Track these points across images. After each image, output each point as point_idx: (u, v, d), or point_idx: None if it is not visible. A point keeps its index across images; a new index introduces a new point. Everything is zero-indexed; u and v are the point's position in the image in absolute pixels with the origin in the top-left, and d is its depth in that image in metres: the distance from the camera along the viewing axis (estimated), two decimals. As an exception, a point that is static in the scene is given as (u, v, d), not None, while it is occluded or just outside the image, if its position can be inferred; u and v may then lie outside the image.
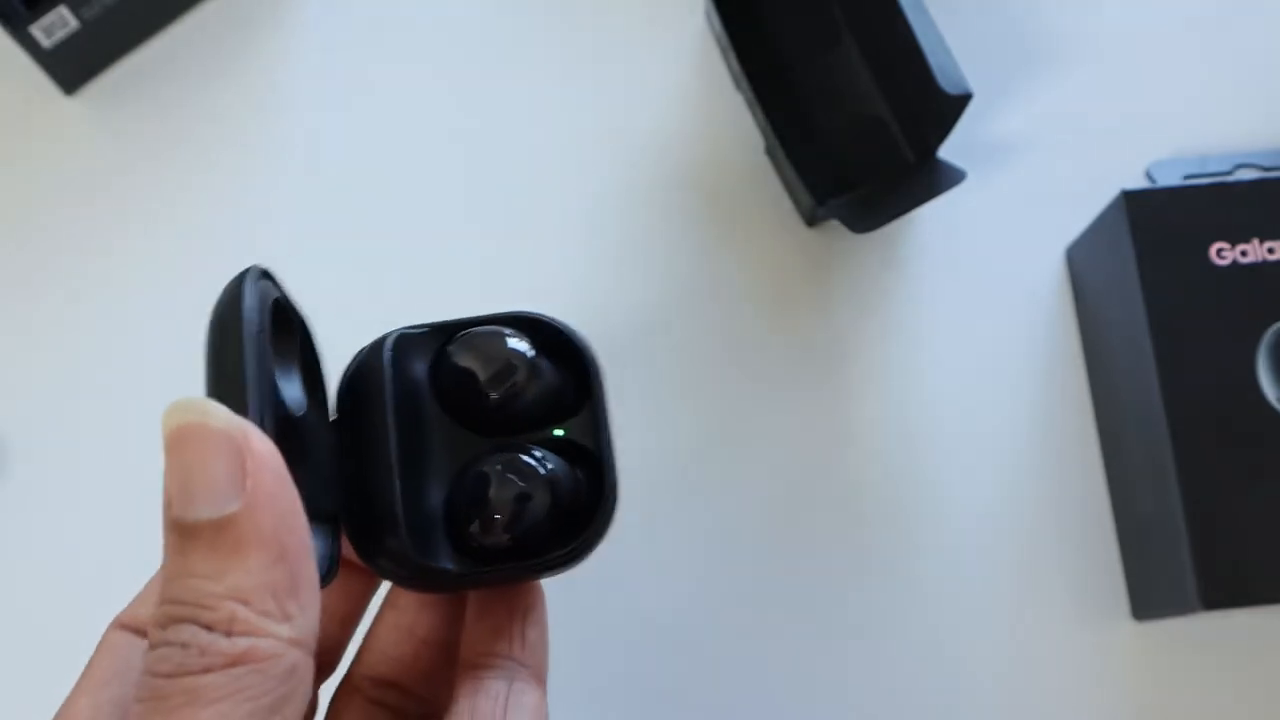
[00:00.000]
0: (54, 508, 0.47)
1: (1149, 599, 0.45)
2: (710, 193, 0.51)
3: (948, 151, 0.48)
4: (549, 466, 0.28)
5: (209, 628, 0.22)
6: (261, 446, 0.23)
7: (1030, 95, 0.51)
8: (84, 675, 0.28)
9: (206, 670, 0.21)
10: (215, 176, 0.51)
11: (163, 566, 0.23)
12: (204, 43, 0.53)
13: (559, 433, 0.30)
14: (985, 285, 0.49)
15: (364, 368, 0.29)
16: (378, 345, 0.29)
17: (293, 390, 0.28)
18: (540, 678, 0.29)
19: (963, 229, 0.50)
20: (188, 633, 0.22)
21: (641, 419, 0.48)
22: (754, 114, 0.49)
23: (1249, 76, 0.51)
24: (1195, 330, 0.42)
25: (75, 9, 0.48)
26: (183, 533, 0.22)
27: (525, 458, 0.28)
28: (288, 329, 0.28)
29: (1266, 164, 0.49)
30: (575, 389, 0.30)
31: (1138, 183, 0.50)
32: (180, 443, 0.22)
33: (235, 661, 0.22)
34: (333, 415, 0.29)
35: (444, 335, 0.30)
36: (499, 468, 0.28)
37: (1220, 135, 0.50)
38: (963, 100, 0.45)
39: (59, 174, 0.51)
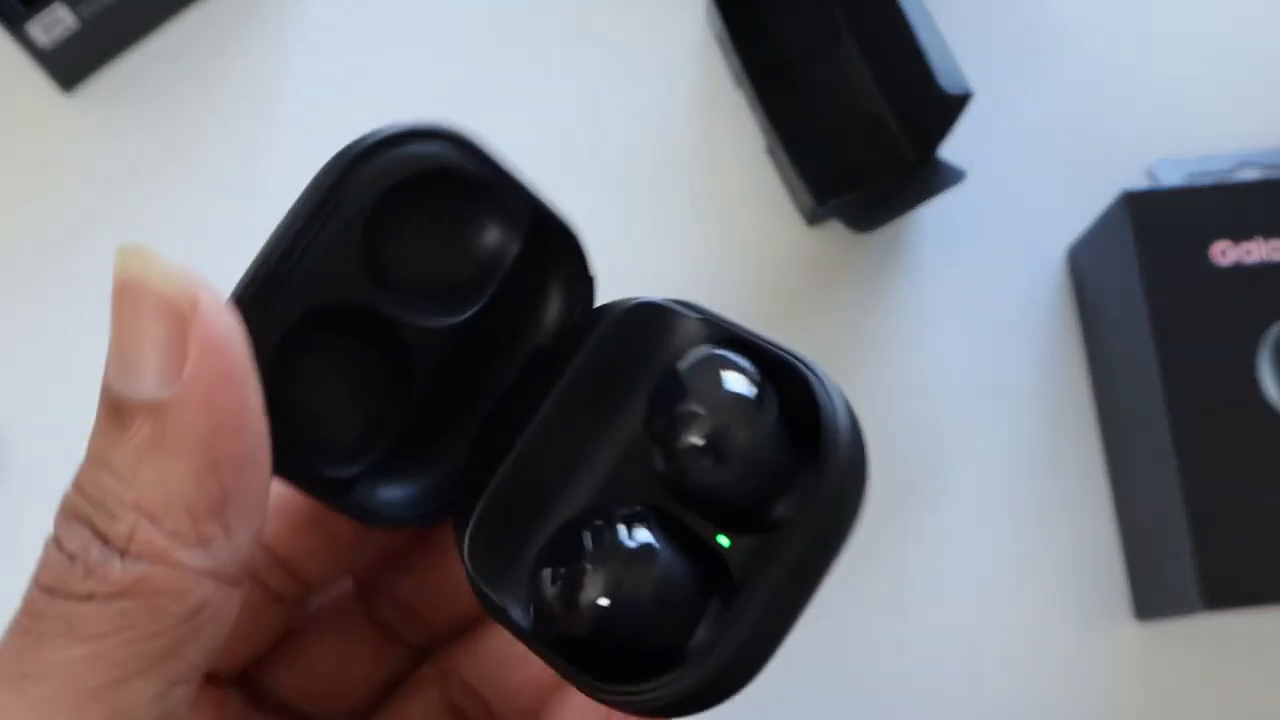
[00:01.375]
0: (54, 508, 0.47)
1: (1151, 599, 0.44)
2: (710, 192, 0.50)
3: (948, 151, 0.48)
4: (643, 558, 0.20)
5: (105, 540, 0.18)
6: (214, 324, 0.18)
7: (1030, 95, 0.51)
8: None
9: (88, 597, 0.18)
10: (215, 174, 0.51)
11: (89, 438, 0.19)
12: (203, 40, 0.52)
13: (724, 542, 0.21)
14: (986, 285, 0.49)
15: (592, 320, 0.23)
16: (616, 305, 0.23)
17: (420, 286, 0.21)
18: None
19: (963, 229, 0.50)
20: (80, 539, 0.18)
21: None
22: (754, 113, 0.49)
23: (1252, 75, 0.51)
24: (1197, 330, 0.42)
25: (73, 6, 0.48)
26: (112, 408, 0.18)
27: (628, 538, 0.20)
28: (495, 220, 0.22)
29: (1269, 163, 0.49)
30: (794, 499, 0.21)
31: (1139, 182, 0.50)
32: (122, 297, 0.18)
33: (123, 592, 0.18)
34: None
35: (718, 338, 0.22)
36: (590, 532, 0.20)
37: (1222, 134, 0.50)
38: (963, 100, 0.45)
39: (57, 172, 0.51)
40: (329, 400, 0.20)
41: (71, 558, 0.18)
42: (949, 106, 0.46)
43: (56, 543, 0.19)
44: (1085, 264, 0.48)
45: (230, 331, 0.18)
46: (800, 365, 0.21)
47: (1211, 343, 0.42)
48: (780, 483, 0.21)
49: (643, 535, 0.20)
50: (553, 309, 0.23)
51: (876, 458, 0.48)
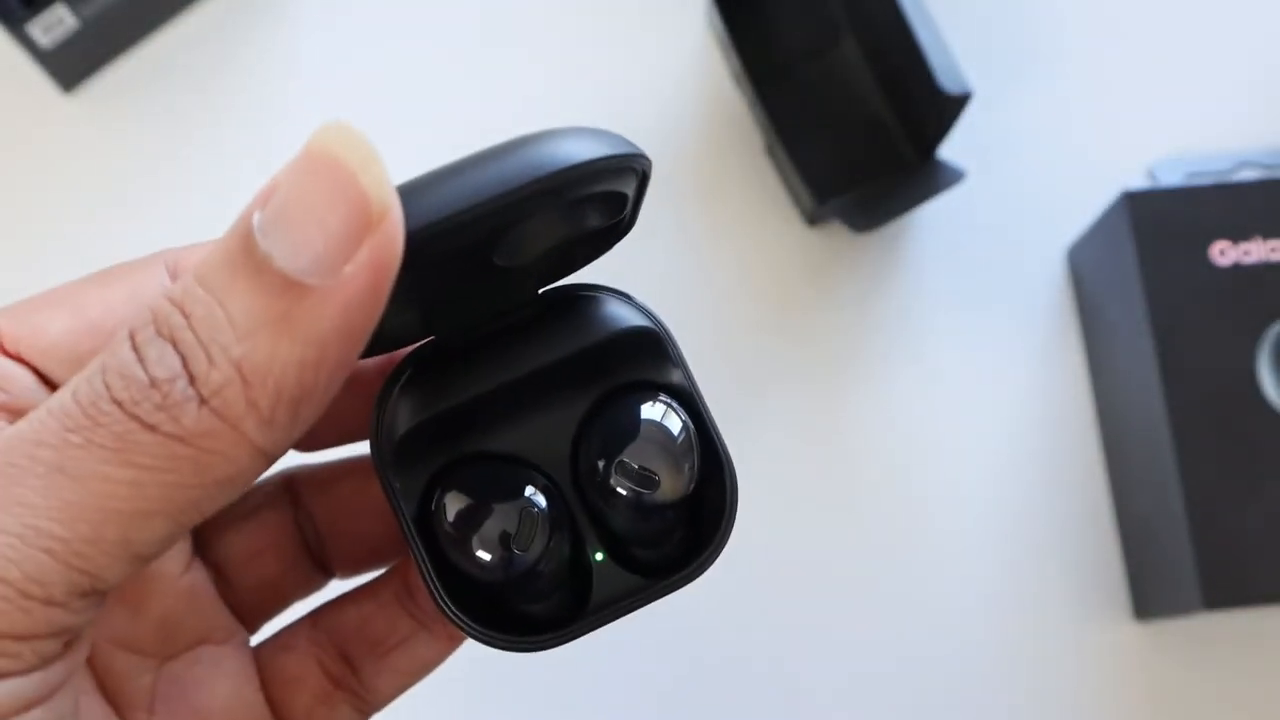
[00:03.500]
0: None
1: (1150, 599, 0.44)
2: (710, 192, 0.50)
3: (948, 151, 0.48)
4: (543, 560, 0.23)
5: (192, 379, 0.18)
6: (389, 244, 0.18)
7: (1030, 95, 0.51)
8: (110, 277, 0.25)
9: (151, 428, 0.18)
10: (215, 175, 0.51)
11: (207, 254, 0.19)
12: (203, 41, 0.52)
13: (598, 557, 0.24)
14: (986, 285, 0.49)
15: (594, 306, 0.25)
16: (625, 307, 0.25)
17: (519, 245, 0.23)
18: (455, 640, 0.27)
19: (963, 229, 0.50)
20: (169, 367, 0.18)
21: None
22: (754, 113, 0.49)
23: (1251, 75, 0.51)
24: (1196, 330, 0.42)
25: (73, 7, 0.48)
26: (248, 257, 0.18)
27: (544, 527, 0.23)
28: (595, 215, 0.24)
29: (1268, 163, 0.49)
30: (667, 559, 0.24)
31: (1139, 182, 0.50)
32: (310, 166, 0.19)
33: (185, 438, 0.18)
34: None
35: (668, 383, 0.24)
36: (517, 494, 0.23)
37: (1222, 134, 0.50)
38: (963, 100, 0.45)
39: (57, 173, 0.51)
40: (403, 308, 0.21)
41: (153, 382, 0.18)
42: (949, 106, 0.46)
43: (139, 356, 0.19)
44: (1085, 264, 0.48)
45: (396, 255, 0.19)
46: (728, 467, 0.24)
47: (1211, 342, 0.42)
48: (660, 543, 0.24)
49: (561, 529, 0.23)
50: (564, 269, 0.25)
51: (875, 458, 0.48)
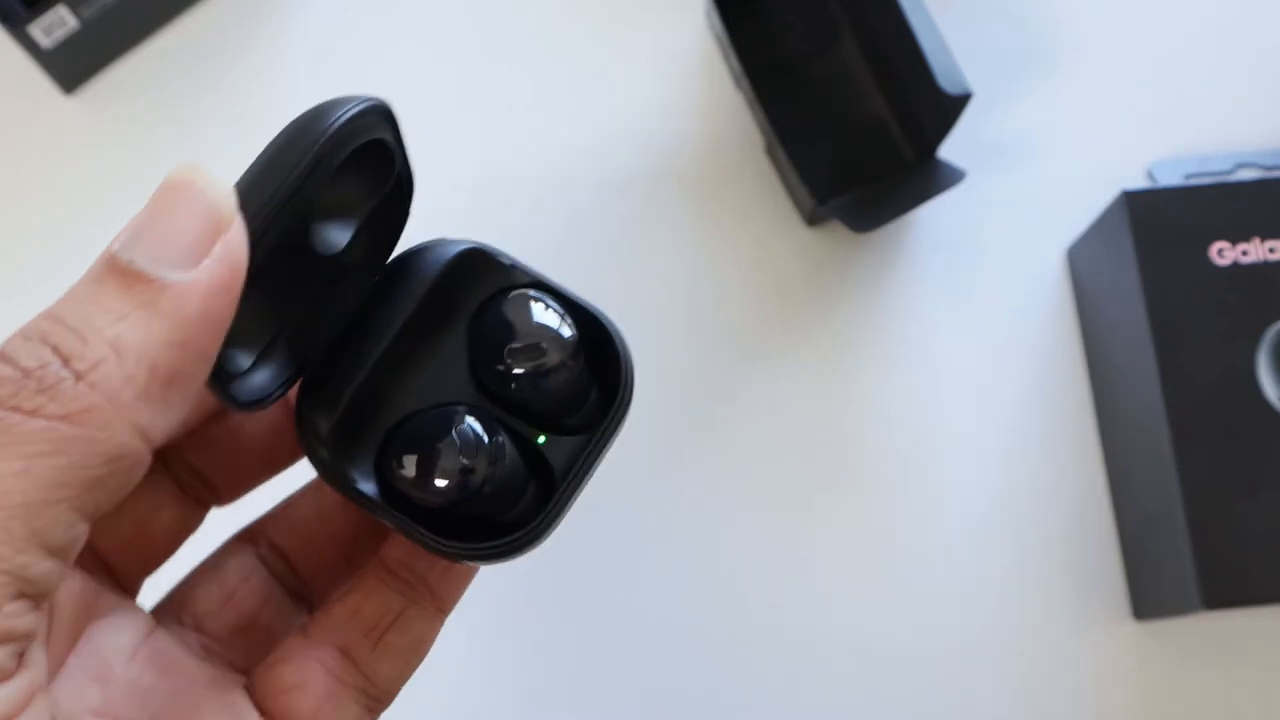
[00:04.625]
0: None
1: (1150, 599, 0.45)
2: (710, 192, 0.51)
3: (948, 151, 0.48)
4: (498, 460, 0.26)
5: (66, 360, 0.20)
6: (238, 243, 0.21)
7: (1030, 95, 0.51)
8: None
9: (34, 413, 0.19)
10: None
11: (72, 290, 0.21)
12: (203, 42, 0.53)
13: (541, 440, 0.27)
14: (985, 285, 0.49)
15: (421, 255, 0.27)
16: (447, 242, 0.28)
17: (334, 231, 0.26)
18: (444, 610, 0.28)
19: (963, 229, 0.50)
20: (40, 357, 0.20)
21: (640, 418, 0.48)
22: (754, 113, 0.49)
23: (1250, 76, 0.51)
24: (1196, 330, 0.42)
25: (74, 8, 0.48)
26: (112, 267, 0.21)
27: (482, 434, 0.25)
28: (376, 176, 0.26)
29: (1267, 163, 0.49)
30: (594, 415, 0.28)
31: (1138, 182, 0.50)
32: (167, 193, 0.21)
33: (68, 416, 0.19)
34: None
35: (515, 282, 0.28)
36: (451, 426, 0.25)
37: (1221, 134, 0.50)
38: (963, 100, 0.45)
39: (58, 173, 0.51)
40: (249, 315, 0.23)
41: (26, 373, 0.20)
42: (949, 106, 0.46)
43: (9, 359, 0.20)
44: (1084, 264, 0.48)
45: (244, 252, 0.21)
46: (600, 317, 0.27)
47: (1210, 342, 0.42)
48: (581, 401, 0.27)
49: (493, 432, 0.26)
50: (383, 241, 0.28)
51: (876, 458, 0.48)
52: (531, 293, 0.27)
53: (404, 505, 0.26)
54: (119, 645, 0.26)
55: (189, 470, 0.28)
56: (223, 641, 0.28)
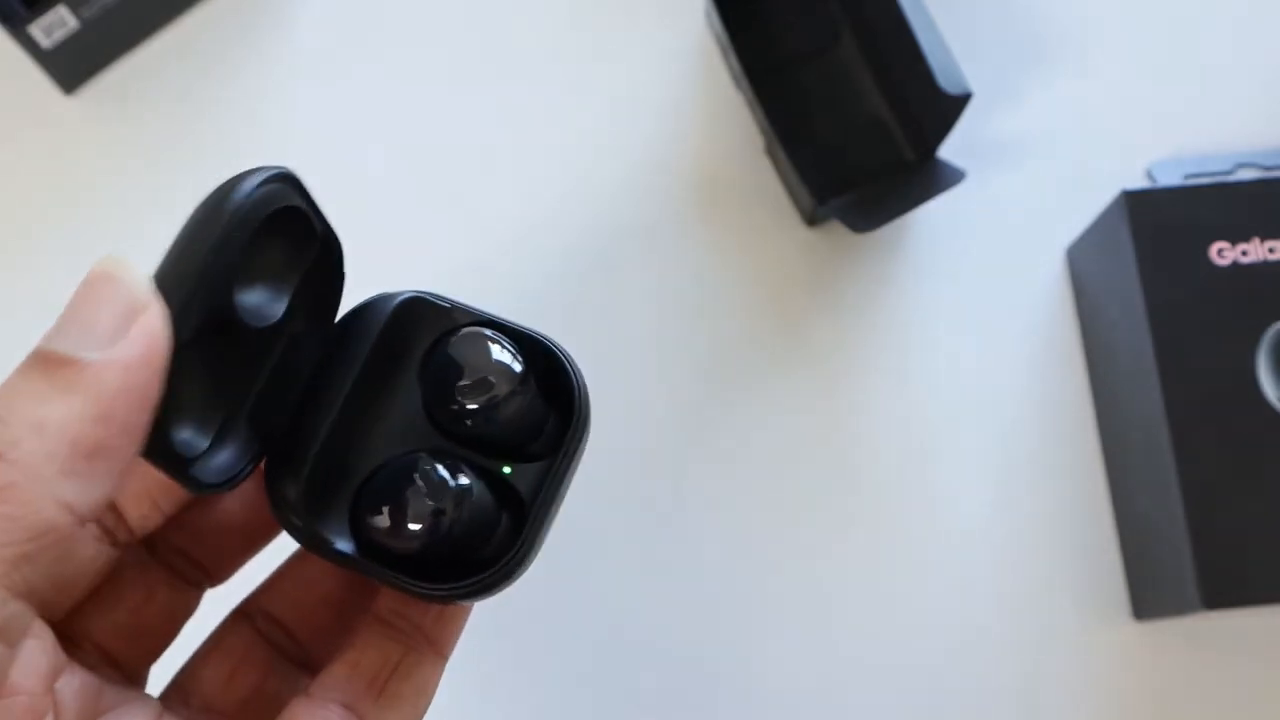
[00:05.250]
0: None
1: (1150, 599, 0.45)
2: (710, 193, 0.51)
3: (948, 151, 0.48)
4: (464, 499, 0.26)
5: None
6: (154, 322, 0.22)
7: (1030, 95, 0.51)
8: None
9: None
10: (214, 176, 0.51)
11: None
12: (203, 42, 0.53)
13: (506, 470, 0.28)
14: (985, 285, 0.49)
15: (364, 312, 0.28)
16: (388, 296, 0.28)
17: (269, 303, 0.27)
18: (442, 654, 0.28)
19: (963, 229, 0.50)
20: None
21: (640, 417, 0.48)
22: (754, 114, 0.49)
23: (1249, 76, 0.51)
24: (1195, 330, 0.42)
25: (74, 9, 0.48)
26: (37, 357, 0.22)
27: (447, 477, 0.26)
28: (298, 242, 0.27)
29: (1267, 164, 0.49)
30: (555, 438, 0.28)
31: (1138, 182, 0.50)
32: (87, 287, 0.22)
33: None
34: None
35: (458, 322, 0.28)
36: (415, 473, 0.26)
37: (1221, 135, 0.50)
38: (963, 100, 0.45)
39: (58, 173, 0.51)
40: (187, 394, 0.24)
41: None
42: (949, 106, 0.46)
43: None
44: (1084, 264, 0.48)
45: (163, 333, 0.23)
46: (549, 343, 0.28)
47: (1209, 342, 0.42)
48: (539, 426, 0.28)
49: (463, 474, 0.26)
50: (321, 304, 0.29)
51: (876, 458, 0.48)
52: (474, 330, 0.28)
53: (382, 557, 0.26)
54: None
55: (177, 554, 0.29)
56: (231, 717, 0.28)
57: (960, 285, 0.49)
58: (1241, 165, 0.49)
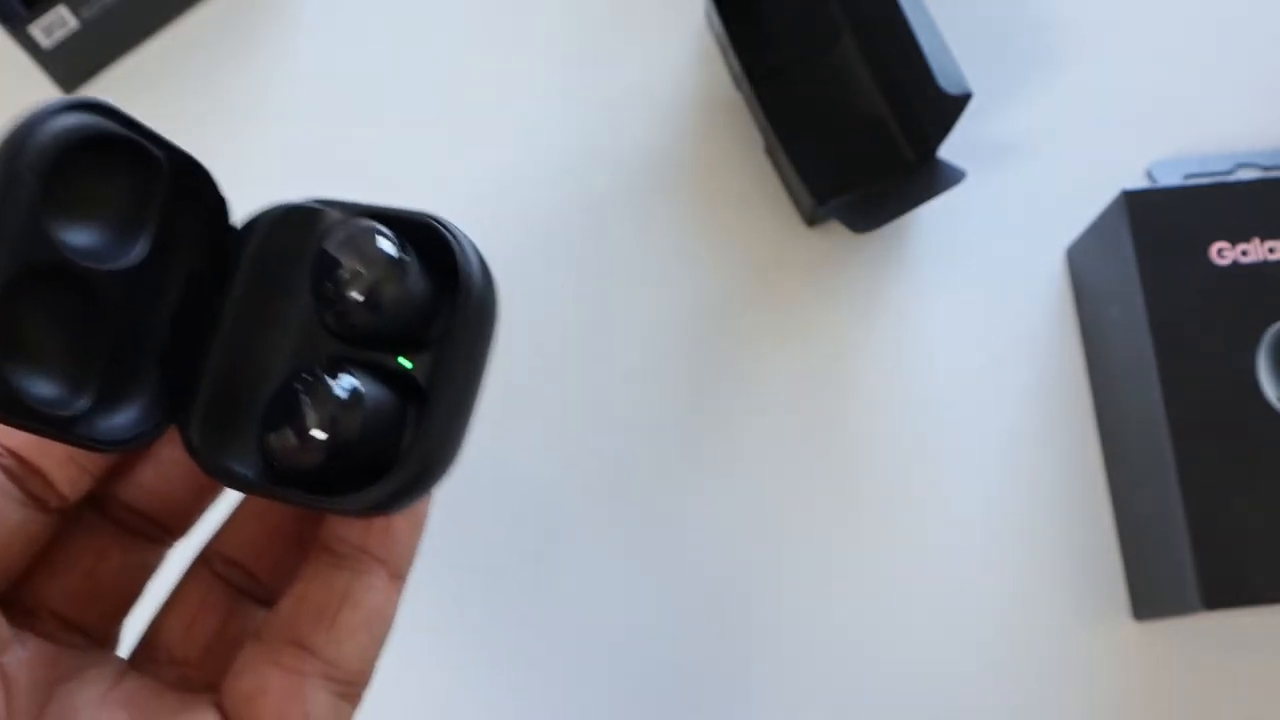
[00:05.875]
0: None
1: (1150, 599, 0.45)
2: (710, 192, 0.51)
3: (948, 151, 0.48)
4: (352, 399, 0.25)
5: None
6: None
7: (1030, 95, 0.51)
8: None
9: None
10: (214, 175, 0.51)
11: None
12: (203, 43, 0.53)
13: (405, 364, 0.26)
14: (985, 285, 0.49)
15: (246, 232, 0.27)
16: (261, 214, 0.27)
17: (103, 240, 0.25)
18: (398, 575, 0.27)
19: (963, 229, 0.50)
20: None
21: (638, 417, 0.48)
22: (754, 114, 0.49)
23: (1249, 76, 0.51)
24: (1195, 330, 0.42)
25: (74, 9, 0.48)
26: None
27: (330, 383, 0.25)
28: (139, 173, 0.26)
29: (1267, 164, 0.49)
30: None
31: (1138, 182, 0.50)
32: None
33: None
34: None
35: (332, 222, 0.27)
36: (298, 385, 0.25)
37: (1221, 135, 0.50)
38: (963, 100, 0.45)
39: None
40: (41, 349, 0.23)
41: None
42: (949, 106, 0.46)
43: None
44: (1084, 264, 0.48)
45: None
46: (430, 219, 0.26)
47: (1209, 342, 0.42)
48: (431, 311, 0.26)
49: (347, 377, 0.25)
50: (203, 233, 0.27)
51: (875, 458, 0.48)
52: (343, 222, 0.26)
53: (299, 479, 0.25)
54: (88, 698, 0.26)
55: (129, 511, 0.28)
56: (197, 665, 0.28)
57: (960, 285, 0.49)
58: (1241, 165, 0.49)
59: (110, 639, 0.28)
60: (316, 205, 0.27)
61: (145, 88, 0.52)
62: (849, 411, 0.48)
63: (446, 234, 0.26)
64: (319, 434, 0.24)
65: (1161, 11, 0.53)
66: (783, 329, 0.49)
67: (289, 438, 0.25)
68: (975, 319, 0.49)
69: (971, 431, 0.48)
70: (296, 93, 0.52)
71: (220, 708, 0.26)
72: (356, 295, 0.25)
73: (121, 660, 0.27)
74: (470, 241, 0.27)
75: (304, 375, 0.25)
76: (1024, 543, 0.46)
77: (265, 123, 0.52)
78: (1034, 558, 0.46)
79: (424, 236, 0.26)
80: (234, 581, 0.29)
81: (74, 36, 0.49)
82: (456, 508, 0.48)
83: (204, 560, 0.29)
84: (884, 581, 0.46)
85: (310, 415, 0.24)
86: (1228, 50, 0.52)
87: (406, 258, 0.25)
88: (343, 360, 0.26)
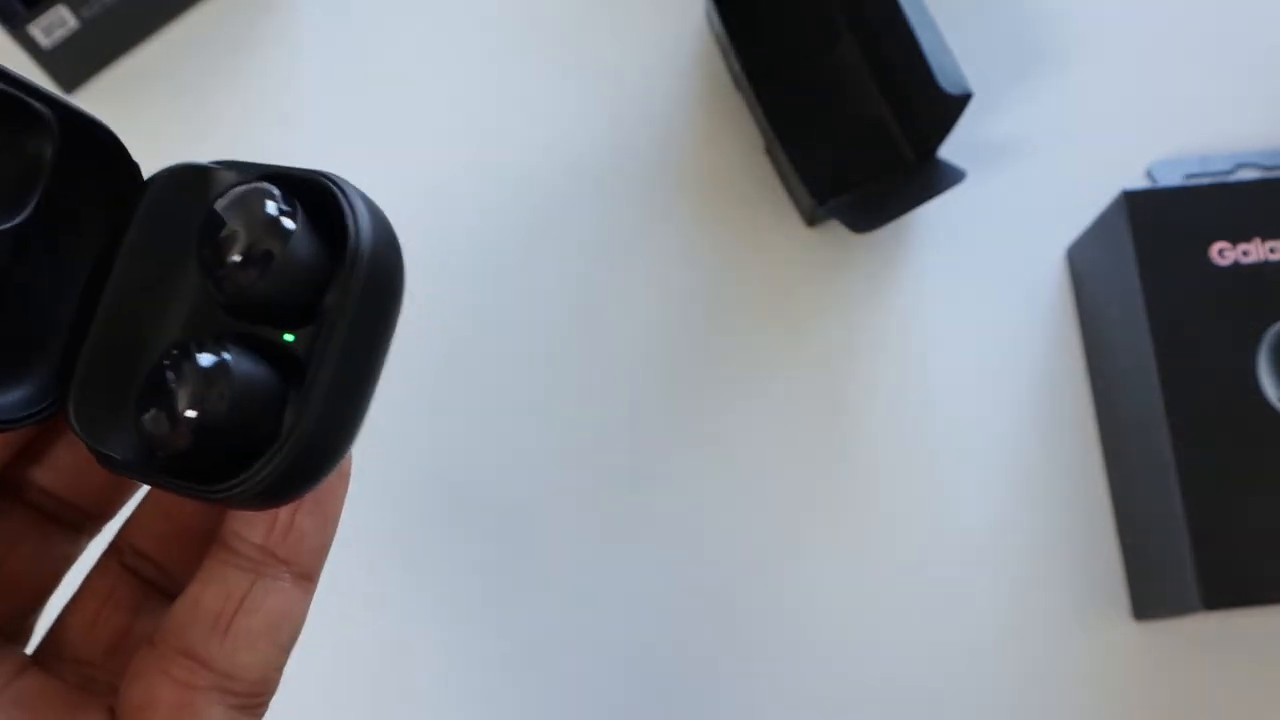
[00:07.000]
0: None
1: (1150, 599, 0.45)
2: (710, 193, 0.51)
3: (948, 151, 0.48)
4: (218, 374, 0.22)
5: None
6: None
7: (1030, 95, 0.51)
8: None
9: None
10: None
11: None
12: (203, 42, 0.52)
13: (288, 338, 0.24)
14: (985, 285, 0.49)
15: (140, 198, 0.25)
16: (154, 176, 0.25)
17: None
18: (307, 576, 0.25)
19: (963, 229, 0.50)
20: None
21: (638, 417, 0.48)
22: (754, 114, 0.49)
23: (1250, 76, 0.51)
24: (1196, 330, 0.42)
25: (74, 8, 0.48)
26: None
27: (196, 357, 0.22)
28: (8, 127, 0.24)
29: (1267, 164, 0.49)
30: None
31: (1138, 182, 0.50)
32: None
33: None
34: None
35: (224, 183, 0.25)
36: (168, 362, 0.23)
37: (1221, 135, 0.50)
38: (963, 100, 0.45)
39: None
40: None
41: None
42: (949, 106, 0.46)
43: None
44: (1084, 264, 0.48)
45: None
46: (322, 177, 0.24)
47: (1210, 342, 0.42)
48: (320, 280, 0.24)
49: (210, 352, 0.23)
50: (109, 201, 0.25)
51: (876, 458, 0.48)
52: (229, 184, 0.24)
53: (172, 463, 0.23)
54: None
55: (45, 496, 0.26)
56: (100, 666, 0.26)
57: (960, 285, 0.49)
58: (1241, 165, 0.49)
59: (22, 632, 0.26)
60: (211, 165, 0.25)
61: (146, 87, 0.52)
62: (848, 411, 0.48)
63: (337, 192, 0.24)
64: (187, 413, 0.22)
65: (1161, 11, 0.53)
66: (782, 329, 0.49)
67: (155, 417, 0.22)
68: (975, 319, 0.49)
69: (971, 431, 0.48)
70: (297, 92, 0.52)
71: (114, 714, 0.25)
72: (235, 257, 0.23)
73: (24, 657, 0.25)
74: (370, 204, 0.24)
75: (172, 350, 0.23)
76: (1025, 543, 0.46)
77: (265, 122, 0.52)
78: (1034, 558, 0.46)
79: (324, 200, 0.24)
80: (144, 575, 0.27)
81: (74, 36, 0.49)
82: (451, 507, 0.48)
83: (114, 551, 0.27)
84: (883, 581, 0.46)
85: (175, 393, 0.22)
86: (1228, 50, 0.52)
87: (290, 219, 0.23)
88: (223, 335, 0.24)
